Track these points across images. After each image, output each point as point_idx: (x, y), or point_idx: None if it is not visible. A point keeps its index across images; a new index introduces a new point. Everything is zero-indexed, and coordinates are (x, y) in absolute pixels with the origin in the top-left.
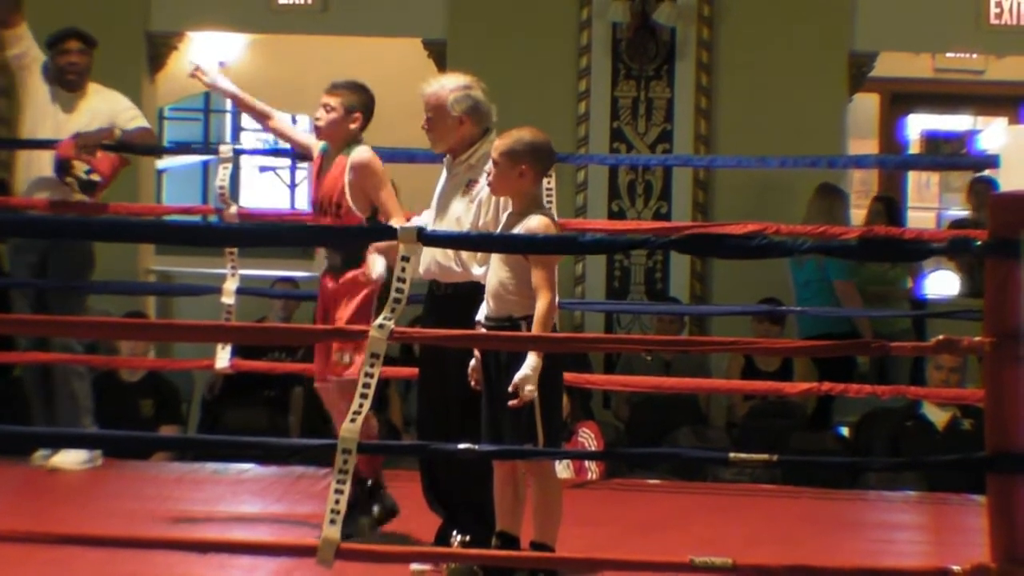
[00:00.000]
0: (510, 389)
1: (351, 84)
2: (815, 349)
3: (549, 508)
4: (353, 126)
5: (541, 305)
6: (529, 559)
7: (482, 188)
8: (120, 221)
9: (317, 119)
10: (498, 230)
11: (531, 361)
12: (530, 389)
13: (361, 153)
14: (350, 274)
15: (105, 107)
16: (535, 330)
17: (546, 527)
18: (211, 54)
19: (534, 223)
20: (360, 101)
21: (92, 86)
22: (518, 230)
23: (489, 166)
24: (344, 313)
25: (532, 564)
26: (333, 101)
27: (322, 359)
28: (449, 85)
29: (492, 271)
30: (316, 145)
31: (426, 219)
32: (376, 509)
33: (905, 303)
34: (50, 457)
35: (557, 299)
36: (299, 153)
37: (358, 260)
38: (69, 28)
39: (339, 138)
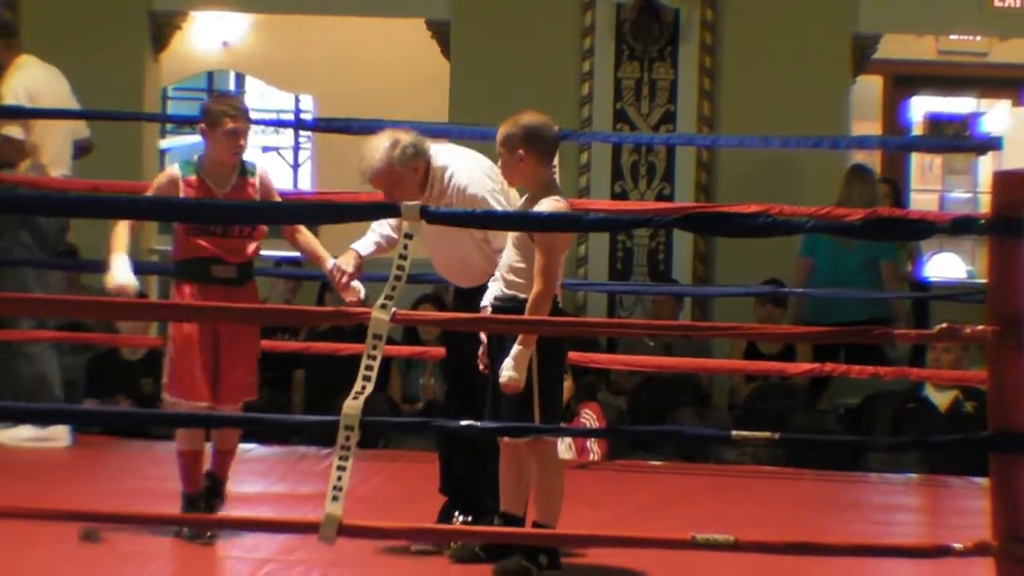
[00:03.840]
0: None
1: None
2: (817, 335)
3: (550, 489)
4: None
5: (535, 290)
6: (532, 537)
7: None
8: (122, 200)
9: (237, 151)
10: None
11: (515, 350)
12: (510, 376)
13: (263, 168)
14: (250, 286)
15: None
16: (526, 315)
17: (547, 508)
18: (214, 34)
19: (544, 207)
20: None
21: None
22: None
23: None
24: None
25: (535, 542)
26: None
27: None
28: (383, 154)
29: (505, 253)
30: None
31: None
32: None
33: (904, 285)
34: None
35: (559, 287)
36: None
37: (252, 274)
38: None
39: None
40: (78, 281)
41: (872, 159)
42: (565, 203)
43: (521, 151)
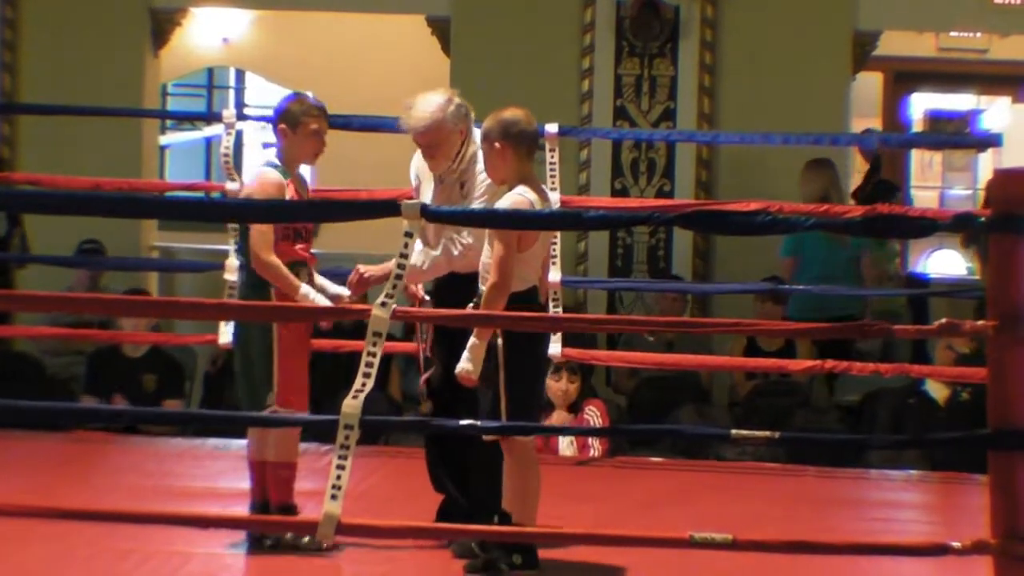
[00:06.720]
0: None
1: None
2: (816, 331)
3: (520, 487)
4: None
5: (489, 281)
6: (527, 535)
7: (482, 179)
8: (123, 197)
9: (319, 152)
10: None
11: (470, 342)
12: (462, 367)
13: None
14: None
15: None
16: (481, 308)
17: (516, 504)
18: (214, 30)
19: (504, 202)
20: None
21: None
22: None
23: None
24: None
25: (530, 540)
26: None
27: None
28: (436, 108)
29: (484, 251)
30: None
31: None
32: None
33: (886, 280)
34: None
35: (558, 283)
36: None
37: None
38: None
39: None
40: (99, 280)
41: None
42: (532, 197)
43: (498, 144)
